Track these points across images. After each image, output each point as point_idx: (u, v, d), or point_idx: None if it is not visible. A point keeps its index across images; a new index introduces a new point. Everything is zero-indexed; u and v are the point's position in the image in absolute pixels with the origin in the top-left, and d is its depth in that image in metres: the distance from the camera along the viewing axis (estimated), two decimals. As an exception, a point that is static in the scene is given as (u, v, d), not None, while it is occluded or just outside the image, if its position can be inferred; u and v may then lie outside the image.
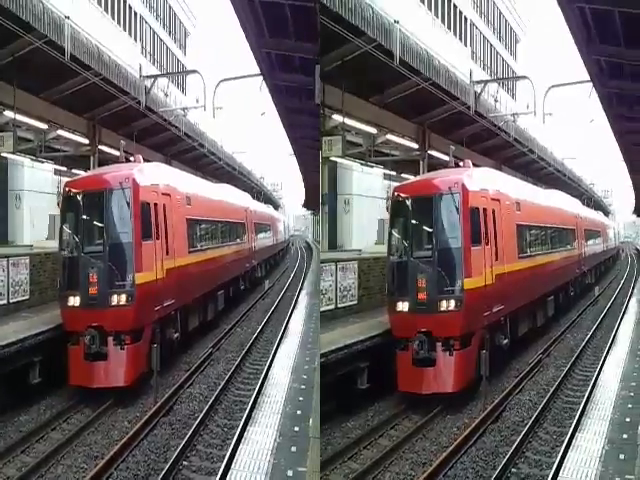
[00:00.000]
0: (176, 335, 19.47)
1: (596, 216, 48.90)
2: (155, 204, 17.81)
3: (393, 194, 17.64)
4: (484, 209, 17.17)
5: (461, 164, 19.39)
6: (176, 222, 19.45)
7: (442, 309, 16.09)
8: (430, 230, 16.61)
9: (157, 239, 17.70)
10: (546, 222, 25.01)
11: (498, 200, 18.22)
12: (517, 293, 19.32)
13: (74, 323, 16.33)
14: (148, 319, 17.15)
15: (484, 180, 18.15)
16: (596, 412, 13.88)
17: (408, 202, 17.02)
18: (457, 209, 16.43)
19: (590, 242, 38.85)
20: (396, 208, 17.46)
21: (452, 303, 16.04)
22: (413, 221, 16.94)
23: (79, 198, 16.81)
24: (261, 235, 42.74)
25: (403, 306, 16.44)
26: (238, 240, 31.84)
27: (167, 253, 18.33)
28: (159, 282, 17.59)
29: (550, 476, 11.47)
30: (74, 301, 16.28)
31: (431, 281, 16.15)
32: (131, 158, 21.11)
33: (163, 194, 18.55)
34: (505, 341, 18.73)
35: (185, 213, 20.77)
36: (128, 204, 16.66)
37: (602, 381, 16.41)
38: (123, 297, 16.25)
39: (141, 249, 16.72)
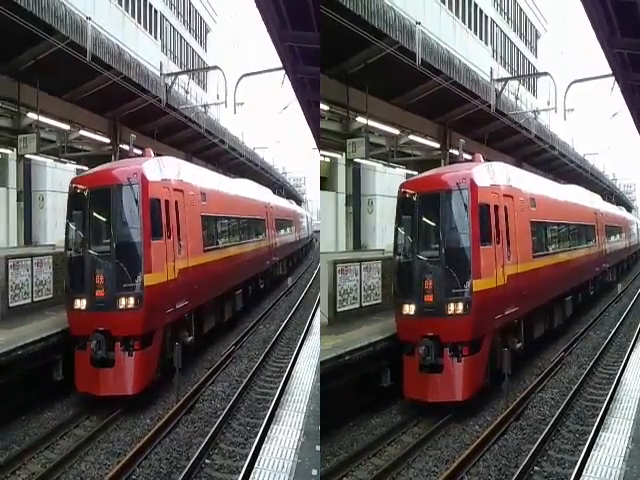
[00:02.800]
0: (190, 339, 18.51)
1: (618, 211, 47.37)
2: (166, 201, 16.90)
3: (399, 190, 16.83)
4: (495, 206, 16.36)
5: (470, 158, 18.85)
6: (190, 219, 18.51)
7: (450, 312, 15.24)
8: (437, 228, 15.78)
9: (169, 238, 16.79)
10: (563, 219, 24.13)
11: (511, 196, 17.41)
12: (532, 294, 18.39)
13: (80, 327, 15.60)
14: (159, 323, 16.31)
15: (495, 175, 17.25)
16: (620, 411, 13.77)
17: (414, 199, 16.17)
18: (465, 206, 15.58)
19: (611, 239, 37.46)
20: (402, 205, 16.64)
21: (460, 306, 15.19)
22: (419, 219, 16.11)
23: (85, 195, 15.96)
24: (282, 231, 41.34)
25: (409, 309, 15.71)
26: (258, 237, 30.68)
27: (180, 252, 17.40)
28: (171, 283, 16.68)
29: (573, 475, 11.40)
30: (80, 304, 15.52)
31: (438, 283, 15.35)
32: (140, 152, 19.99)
33: (175, 190, 17.64)
34: (519, 345, 17.81)
35: (200, 210, 19.78)
36: (136, 201, 15.80)
37: (626, 379, 16.27)
38: (131, 300, 15.41)
39: (150, 249, 15.81)
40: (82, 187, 16.14)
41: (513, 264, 16.94)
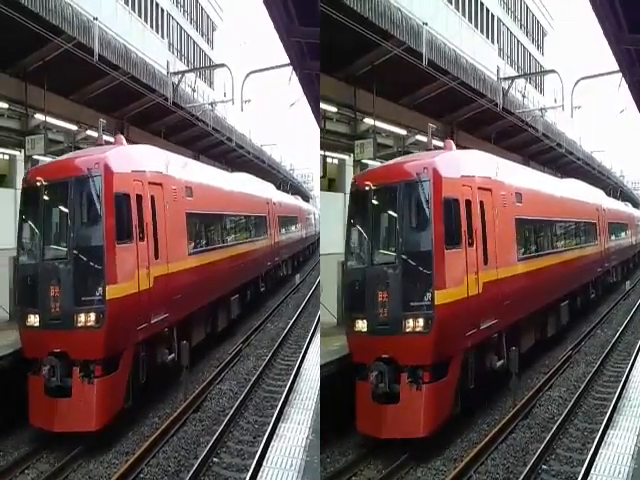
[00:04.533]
0: (171, 357, 16.05)
1: (623, 207, 44.56)
2: (138, 196, 14.41)
3: (352, 183, 14.56)
4: (467, 201, 13.92)
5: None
6: (171, 218, 16.06)
7: (407, 330, 12.83)
8: (393, 228, 13.53)
9: (141, 240, 14.33)
10: (559, 216, 21.81)
11: (489, 190, 15.05)
12: (517, 303, 16.04)
13: (34, 348, 13.31)
14: (127, 342, 13.83)
15: (469, 165, 14.88)
16: (628, 409, 13.76)
17: (369, 193, 13.76)
18: (427, 201, 13.15)
19: (615, 237, 35.44)
20: (355, 201, 14.31)
21: (420, 322, 12.78)
22: (373, 217, 13.83)
23: (40, 190, 13.65)
24: (287, 229, 39.35)
25: (362, 325, 13.39)
26: (258, 236, 28.37)
27: (157, 257, 15.01)
28: (143, 294, 14.25)
29: (582, 473, 11.38)
30: (33, 320, 13.23)
31: (394, 294, 13.00)
32: (110, 139, 18.08)
33: (152, 184, 15.18)
34: (500, 362, 15.47)
35: (185, 207, 17.41)
36: (99, 196, 13.36)
37: (634, 377, 16.24)
38: (92, 316, 12.95)
39: (115, 254, 13.32)
40: (37, 180, 13.77)
41: (491, 269, 14.69)
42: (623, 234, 39.67)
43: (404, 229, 13.34)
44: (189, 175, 18.70)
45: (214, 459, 12.60)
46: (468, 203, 14.00)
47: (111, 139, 18.22)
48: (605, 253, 30.17)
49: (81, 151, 17.16)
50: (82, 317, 12.99)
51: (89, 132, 25.47)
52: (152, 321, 14.76)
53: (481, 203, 14.52)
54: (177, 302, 16.17)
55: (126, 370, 13.81)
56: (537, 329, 19.39)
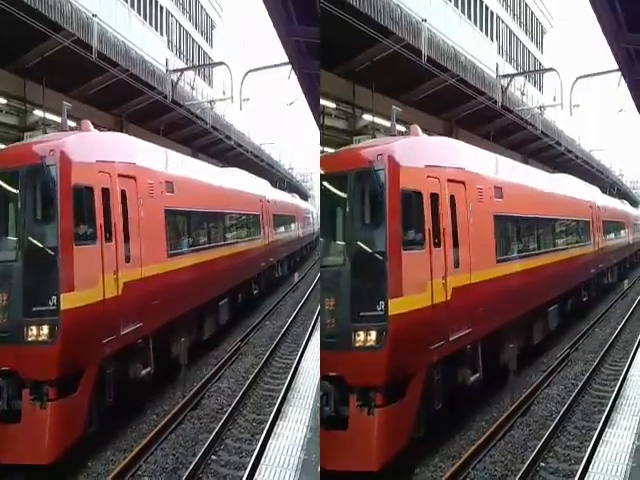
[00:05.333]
0: (146, 371, 14.25)
1: (619, 205, 42.37)
2: (104, 189, 12.63)
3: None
4: (433, 194, 12.24)
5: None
6: (147, 216, 14.31)
7: (357, 345, 11.01)
8: (345, 225, 11.72)
9: (108, 240, 12.61)
10: (546, 213, 19.96)
11: (462, 182, 13.28)
12: (494, 309, 14.33)
13: None
14: (89, 359, 12.06)
15: (437, 153, 13.24)
16: (626, 407, 13.79)
17: (321, 182, 12.16)
18: (381, 193, 11.32)
19: (611, 236, 33.57)
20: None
21: (373, 335, 10.95)
22: (325, 211, 12.33)
23: None
24: (282, 228, 37.65)
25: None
26: (250, 236, 26.66)
27: (128, 260, 13.29)
28: (109, 303, 12.48)
29: (579, 471, 11.38)
30: None
31: (342, 302, 11.22)
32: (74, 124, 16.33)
33: (122, 176, 13.37)
34: (474, 377, 13.67)
35: (164, 203, 15.73)
36: (54, 189, 11.52)
37: (632, 376, 16.27)
38: (44, 329, 11.14)
39: (72, 257, 11.52)
40: None
41: (464, 273, 13.03)
42: (619, 233, 37.76)
43: (355, 226, 11.54)
44: (170, 168, 17.20)
45: (212, 457, 12.57)
46: (434, 197, 12.27)
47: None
48: (599, 253, 28.35)
49: (39, 137, 14.91)
50: (33, 330, 11.14)
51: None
52: (122, 333, 12.98)
53: (452, 198, 12.74)
54: (154, 310, 14.48)
55: (87, 391, 11.95)
56: (521, 336, 17.55)
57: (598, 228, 28.24)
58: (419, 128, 13.73)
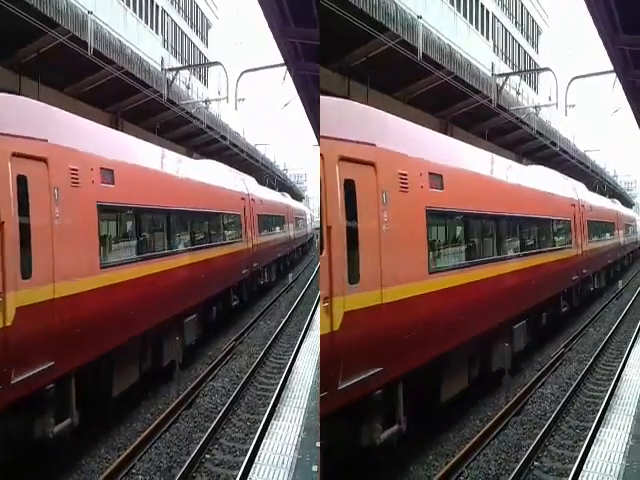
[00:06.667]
0: (64, 424, 10.86)
1: (609, 204, 39.61)
2: None
3: None
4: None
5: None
6: (67, 212, 10.88)
7: None
8: None
9: None
10: (510, 210, 16.64)
11: (372, 164, 10.17)
12: (427, 336, 11.41)
13: None
14: None
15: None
16: (620, 407, 13.79)
17: None
18: None
19: (598, 237, 30.73)
20: None
21: None
22: None
23: None
24: (270, 230, 34.23)
25: None
26: (228, 239, 23.06)
27: (28, 275, 9.77)
28: None
29: (573, 470, 11.39)
30: None
31: None
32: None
33: (23, 157, 9.90)
34: (392, 430, 10.68)
35: (97, 197, 12.10)
36: None
37: (626, 376, 16.28)
38: None
39: None
40: None
41: (369, 291, 9.82)
42: (609, 234, 35.22)
43: None
44: (107, 151, 13.17)
45: (206, 455, 12.55)
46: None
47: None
48: (584, 257, 25.39)
49: None
50: None
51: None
52: (16, 379, 9.41)
53: (351, 183, 9.69)
54: (75, 340, 11.03)
55: None
56: (473, 365, 14.72)
57: (581, 229, 25.11)
58: None
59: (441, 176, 12.43)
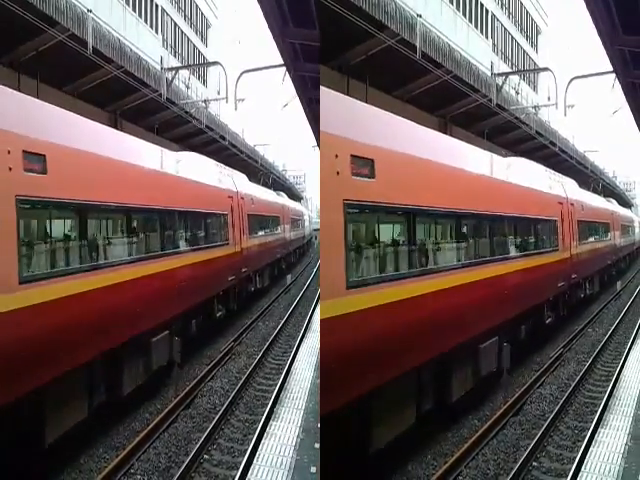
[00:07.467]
0: None
1: (604, 204, 37.14)
2: None
3: None
4: None
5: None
6: None
7: None
8: None
9: None
10: (474, 207, 14.17)
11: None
12: (371, 364, 9.78)
13: None
14: None
15: None
16: (619, 408, 13.78)
17: None
18: None
19: (591, 239, 28.48)
20: None
21: None
22: None
23: None
24: (263, 232, 31.89)
25: None
26: (210, 242, 20.54)
27: None
28: None
29: (572, 471, 11.39)
30: None
31: None
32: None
33: None
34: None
35: (14, 188, 9.37)
36: None
37: (625, 376, 16.27)
38: None
39: None
40: None
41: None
42: (603, 236, 32.81)
43: None
44: (41, 131, 10.55)
45: (205, 456, 12.55)
46: None
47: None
48: (573, 261, 23.14)
49: None
50: None
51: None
52: None
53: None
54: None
55: None
56: (427, 396, 12.73)
57: (569, 230, 22.67)
58: None
59: (375, 162, 10.07)
